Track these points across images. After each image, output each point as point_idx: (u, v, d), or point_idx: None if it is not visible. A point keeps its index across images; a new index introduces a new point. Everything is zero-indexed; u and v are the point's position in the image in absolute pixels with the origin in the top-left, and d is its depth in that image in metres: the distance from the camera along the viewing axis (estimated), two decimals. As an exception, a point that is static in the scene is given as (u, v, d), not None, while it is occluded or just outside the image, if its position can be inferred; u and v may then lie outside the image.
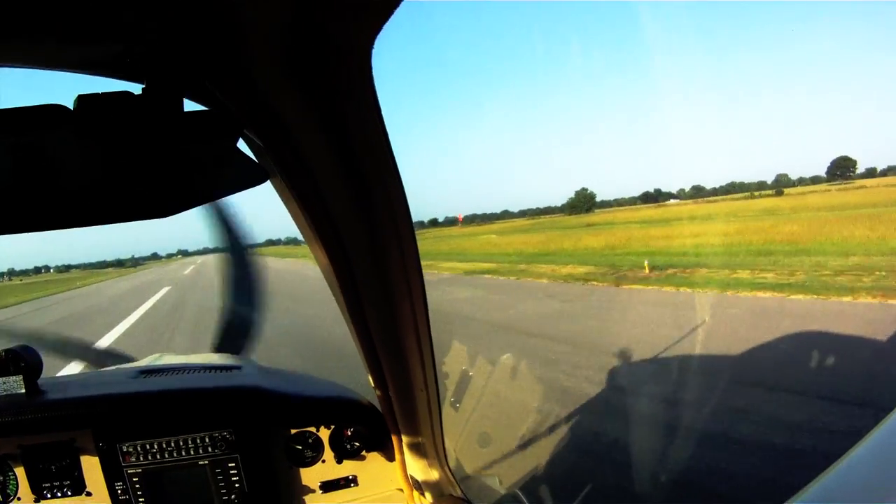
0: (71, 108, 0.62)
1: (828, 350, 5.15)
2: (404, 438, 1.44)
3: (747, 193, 49.82)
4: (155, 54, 0.65)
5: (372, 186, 0.87)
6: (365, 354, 1.20)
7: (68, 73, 0.69)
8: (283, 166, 0.84)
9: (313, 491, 1.52)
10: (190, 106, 0.69)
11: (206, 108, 0.72)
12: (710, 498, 3.03)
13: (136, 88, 0.65)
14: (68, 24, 0.59)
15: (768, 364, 5.09)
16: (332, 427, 1.51)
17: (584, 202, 57.21)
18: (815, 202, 30.18)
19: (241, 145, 0.79)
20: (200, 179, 0.75)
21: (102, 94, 0.63)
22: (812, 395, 4.27)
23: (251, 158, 0.80)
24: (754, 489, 3.04)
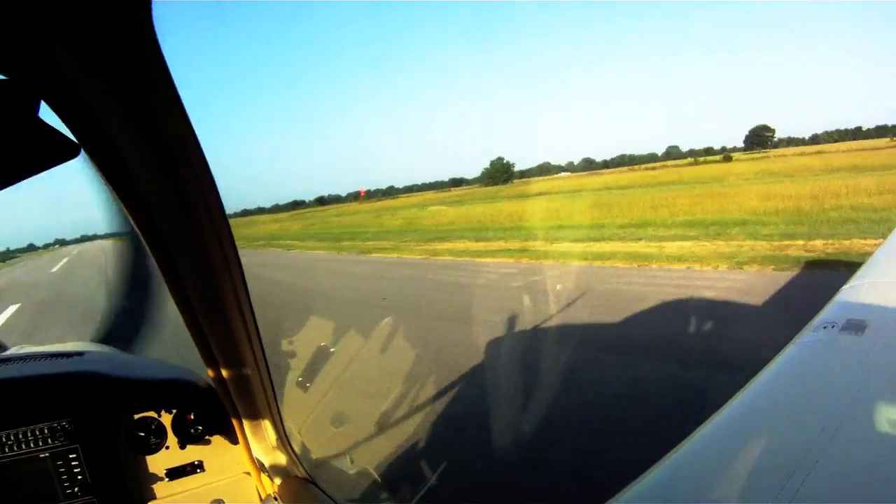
0: None
1: None
2: (244, 420, 1.47)
3: (690, 160, 48.12)
4: None
5: (176, 161, 0.87)
6: (193, 335, 1.22)
7: None
8: (84, 138, 0.81)
9: (160, 479, 1.50)
10: None
11: None
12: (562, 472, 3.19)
13: None
14: None
15: None
16: (174, 412, 1.50)
17: (501, 172, 55.19)
18: (813, 164, 27.68)
19: (54, 120, 0.77)
20: (4, 156, 0.72)
21: None
22: None
23: (58, 131, 0.76)
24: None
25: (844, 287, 1.86)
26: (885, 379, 1.23)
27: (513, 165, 55.98)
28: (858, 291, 1.80)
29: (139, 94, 0.77)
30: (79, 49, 0.70)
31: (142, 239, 1.02)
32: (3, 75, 0.69)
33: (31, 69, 0.71)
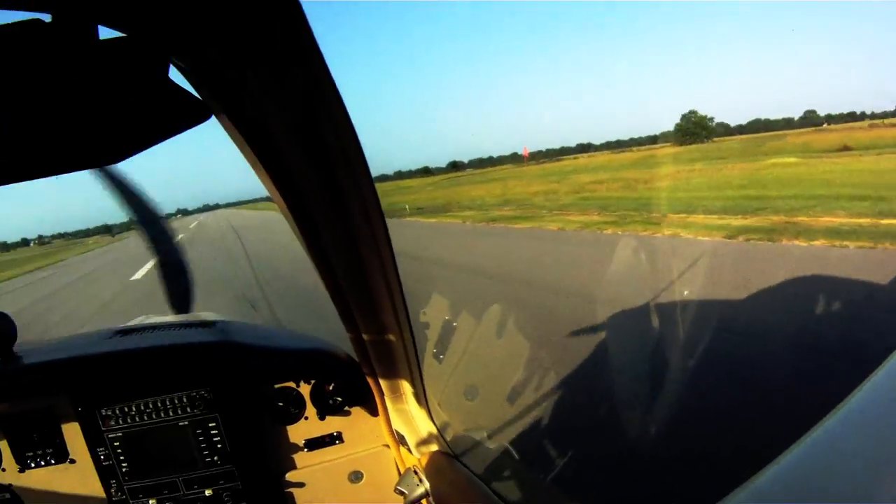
0: None
1: None
2: (385, 392, 1.42)
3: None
4: None
5: (320, 124, 0.82)
6: (336, 304, 1.17)
7: None
8: (220, 99, 0.77)
9: (300, 449, 1.50)
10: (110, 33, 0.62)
11: (124, 34, 0.65)
12: (697, 452, 2.99)
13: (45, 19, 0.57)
14: None
15: None
16: (313, 382, 1.48)
17: (700, 129, 43.70)
18: None
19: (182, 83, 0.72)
20: (136, 119, 0.69)
21: (7, 24, 0.55)
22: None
23: (189, 92, 0.73)
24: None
25: None
26: None
27: (710, 120, 43.97)
28: None
29: (279, 51, 0.72)
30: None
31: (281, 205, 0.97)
32: (134, 31, 0.64)
33: (159, 25, 0.66)
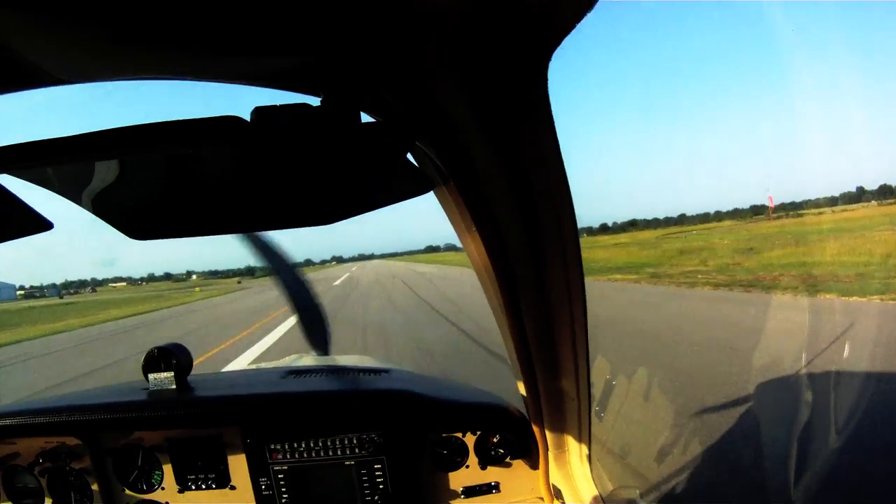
0: (247, 119, 0.61)
1: None
2: (551, 447, 1.42)
3: None
4: (332, 66, 0.66)
5: (539, 196, 0.87)
6: (518, 361, 1.20)
7: (245, 87, 0.70)
8: (453, 172, 0.85)
9: (457, 495, 1.51)
10: (364, 117, 0.68)
11: (380, 119, 0.73)
12: None
13: (313, 101, 0.64)
14: (247, 38, 0.60)
15: None
16: (479, 433, 1.50)
17: None
18: None
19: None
20: (370, 189, 0.76)
21: (280, 105, 0.62)
22: None
23: (418, 168, 0.80)
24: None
25: None
26: None
27: None
28: None
29: (519, 137, 0.79)
30: (472, 94, 0.73)
31: (482, 268, 1.03)
32: (386, 116, 0.74)
33: (415, 107, 0.75)
